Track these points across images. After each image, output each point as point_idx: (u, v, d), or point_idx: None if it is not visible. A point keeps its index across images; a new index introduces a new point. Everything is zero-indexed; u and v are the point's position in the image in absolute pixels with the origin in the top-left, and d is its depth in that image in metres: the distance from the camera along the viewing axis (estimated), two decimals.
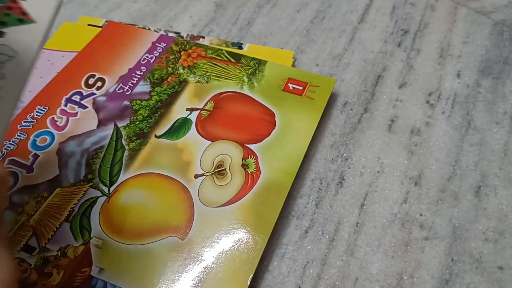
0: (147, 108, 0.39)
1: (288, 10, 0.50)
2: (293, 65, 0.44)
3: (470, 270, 0.31)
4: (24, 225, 0.32)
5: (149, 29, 0.47)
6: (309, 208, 0.35)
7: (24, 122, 0.38)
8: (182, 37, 0.46)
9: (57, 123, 0.38)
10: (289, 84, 0.40)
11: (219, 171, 0.35)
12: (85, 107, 0.39)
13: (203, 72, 0.41)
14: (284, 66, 0.42)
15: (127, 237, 0.32)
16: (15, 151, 0.36)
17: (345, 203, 0.35)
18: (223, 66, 0.42)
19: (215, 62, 0.42)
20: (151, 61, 0.42)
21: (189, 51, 0.43)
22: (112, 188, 0.34)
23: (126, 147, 0.36)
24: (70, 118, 0.38)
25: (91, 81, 0.41)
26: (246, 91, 0.40)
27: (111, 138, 0.37)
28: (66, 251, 0.31)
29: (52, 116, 0.38)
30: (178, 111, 0.39)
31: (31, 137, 0.37)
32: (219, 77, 0.41)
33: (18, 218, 0.33)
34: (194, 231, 0.32)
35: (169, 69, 0.42)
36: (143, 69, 0.42)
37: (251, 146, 0.36)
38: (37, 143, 0.37)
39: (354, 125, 0.40)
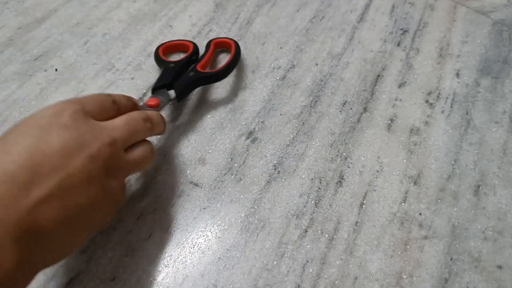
0: None
1: (288, 10, 0.50)
2: None
3: (469, 269, 0.31)
4: None
5: None
6: (309, 207, 0.35)
7: None
8: None
9: None
10: None
11: None
12: None
13: None
14: None
15: None
16: None
17: (345, 202, 0.35)
18: None
19: None
20: None
21: None
22: None
23: None
24: None
25: None
26: None
27: None
28: None
29: None
30: None
31: None
32: None
33: None
34: None
35: None
36: None
37: None
38: None
39: (354, 124, 0.40)
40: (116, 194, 0.27)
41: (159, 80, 0.39)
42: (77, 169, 0.24)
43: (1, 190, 0.22)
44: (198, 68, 0.41)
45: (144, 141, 0.31)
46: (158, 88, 0.38)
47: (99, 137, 0.26)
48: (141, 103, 0.36)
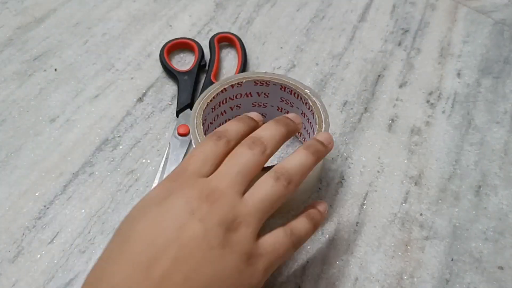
0: None
1: (288, 9, 0.50)
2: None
3: (470, 269, 0.31)
4: None
5: None
6: None
7: None
8: None
9: None
10: None
11: None
12: None
13: None
14: None
15: None
16: None
17: (345, 203, 0.35)
18: None
19: None
20: None
21: None
22: None
23: None
24: None
25: None
26: None
27: None
28: None
29: None
30: None
31: None
32: None
33: None
34: None
35: None
36: None
37: None
38: None
39: (354, 124, 0.40)
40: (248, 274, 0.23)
41: (179, 99, 0.40)
42: (190, 237, 0.22)
43: (123, 276, 0.21)
44: (213, 78, 0.42)
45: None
46: (182, 110, 0.39)
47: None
48: (171, 132, 0.37)
